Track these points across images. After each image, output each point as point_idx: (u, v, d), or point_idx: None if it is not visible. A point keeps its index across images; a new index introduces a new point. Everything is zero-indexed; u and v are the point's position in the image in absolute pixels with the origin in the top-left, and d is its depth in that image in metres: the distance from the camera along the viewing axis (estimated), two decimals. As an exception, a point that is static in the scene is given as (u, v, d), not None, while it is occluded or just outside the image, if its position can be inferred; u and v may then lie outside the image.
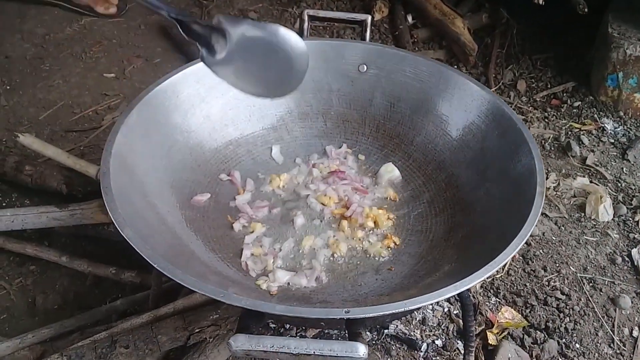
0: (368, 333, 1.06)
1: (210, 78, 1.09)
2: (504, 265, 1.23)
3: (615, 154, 1.54)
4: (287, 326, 1.05)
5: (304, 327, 1.03)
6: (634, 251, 1.27)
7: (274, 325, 1.06)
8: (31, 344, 1.02)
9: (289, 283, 0.92)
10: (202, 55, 0.83)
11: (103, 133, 1.54)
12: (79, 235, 1.25)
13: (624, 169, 1.49)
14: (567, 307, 1.15)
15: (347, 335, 0.70)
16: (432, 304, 1.13)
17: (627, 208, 1.38)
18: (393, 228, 1.03)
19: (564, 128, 1.61)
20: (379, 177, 1.10)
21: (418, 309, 1.05)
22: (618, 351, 1.09)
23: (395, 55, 1.13)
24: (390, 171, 1.10)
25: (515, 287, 1.20)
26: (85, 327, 1.06)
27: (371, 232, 1.02)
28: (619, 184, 1.44)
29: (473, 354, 0.94)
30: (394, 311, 0.69)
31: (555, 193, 1.42)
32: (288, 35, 0.84)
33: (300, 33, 1.17)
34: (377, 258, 0.98)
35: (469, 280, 0.72)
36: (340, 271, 0.96)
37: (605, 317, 1.15)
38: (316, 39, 1.16)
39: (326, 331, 1.04)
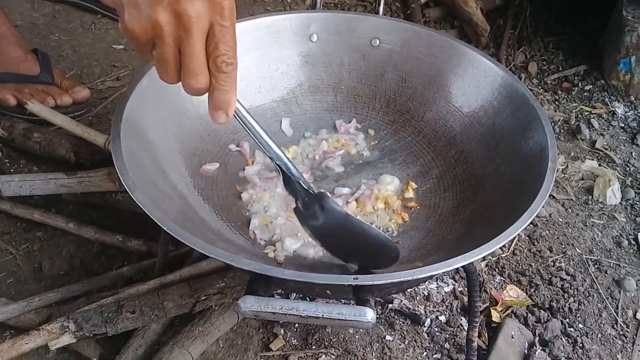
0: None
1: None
2: (510, 245, 1.23)
3: (625, 138, 1.53)
4: (292, 296, 1.05)
5: (308, 297, 1.03)
6: (641, 235, 1.27)
7: (279, 297, 1.06)
8: (37, 308, 1.03)
9: (296, 252, 0.93)
10: (297, 208, 0.86)
11: (111, 104, 1.54)
12: (86, 203, 1.25)
13: (633, 154, 1.48)
14: (572, 288, 1.15)
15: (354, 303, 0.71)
16: (437, 281, 1.14)
17: (635, 192, 1.37)
18: (402, 205, 1.03)
19: (574, 111, 1.60)
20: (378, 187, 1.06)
21: (427, 278, 1.05)
22: (621, 332, 1.10)
23: (408, 30, 1.12)
24: (390, 182, 1.06)
25: (520, 267, 1.20)
26: (91, 293, 1.07)
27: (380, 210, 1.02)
28: (628, 168, 1.44)
29: (477, 330, 0.94)
30: (402, 279, 0.69)
31: (563, 175, 1.41)
32: (383, 239, 0.87)
33: (314, 5, 1.17)
34: (384, 231, 0.98)
35: (479, 251, 0.72)
36: (348, 243, 0.96)
37: (610, 298, 1.15)
38: (329, 11, 1.15)
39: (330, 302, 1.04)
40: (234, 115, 0.72)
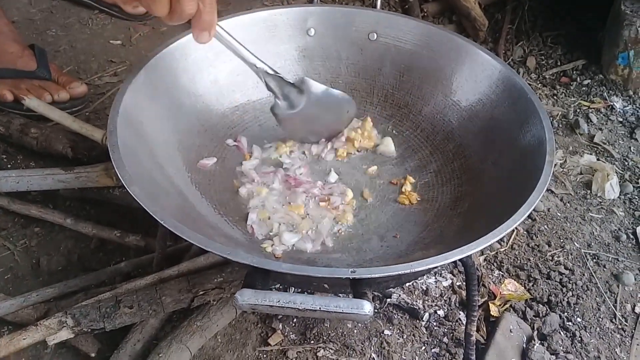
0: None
1: (219, 42, 1.09)
2: (508, 239, 1.23)
3: (623, 132, 1.53)
4: (291, 291, 1.05)
5: (306, 292, 1.03)
6: (639, 229, 1.27)
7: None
8: (35, 303, 1.03)
9: (294, 247, 0.92)
10: (276, 105, 1.01)
11: (108, 99, 1.54)
12: (84, 199, 1.25)
13: (632, 148, 1.48)
14: (570, 282, 1.15)
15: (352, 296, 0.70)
16: (435, 275, 1.14)
17: (634, 186, 1.37)
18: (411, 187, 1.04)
19: (572, 106, 1.60)
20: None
21: (425, 271, 1.05)
22: (620, 326, 1.10)
23: (406, 23, 1.12)
24: (386, 145, 1.10)
25: (518, 261, 1.20)
26: (89, 288, 1.07)
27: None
28: (626, 163, 1.44)
29: (475, 324, 0.94)
30: (400, 272, 0.69)
31: (561, 170, 1.41)
32: (348, 99, 1.06)
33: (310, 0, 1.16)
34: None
35: (477, 244, 0.72)
36: (345, 237, 0.96)
37: (608, 292, 1.15)
38: (326, 5, 1.15)
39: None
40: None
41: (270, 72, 0.95)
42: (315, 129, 1.08)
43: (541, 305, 1.11)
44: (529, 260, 1.20)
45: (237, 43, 0.91)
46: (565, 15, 1.86)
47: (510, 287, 1.13)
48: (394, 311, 1.07)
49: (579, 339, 1.05)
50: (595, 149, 1.48)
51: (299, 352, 1.00)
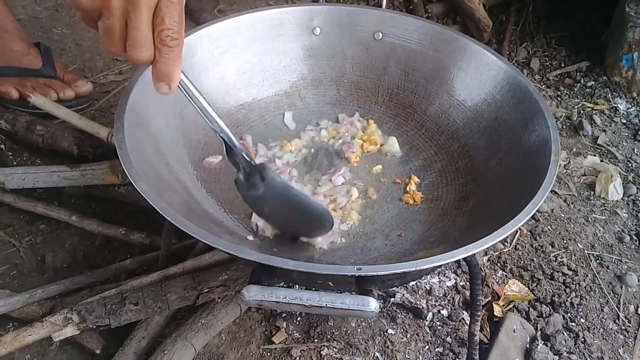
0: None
1: (225, 41, 1.10)
2: (512, 239, 1.24)
3: (627, 134, 1.53)
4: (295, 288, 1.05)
5: (312, 289, 1.04)
6: (643, 230, 1.27)
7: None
8: (40, 299, 1.03)
9: (298, 245, 0.93)
10: (239, 180, 0.87)
11: (114, 97, 1.54)
12: (89, 196, 1.25)
13: (635, 150, 1.48)
14: (574, 283, 1.16)
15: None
16: (439, 275, 1.14)
17: (637, 188, 1.37)
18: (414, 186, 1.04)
19: (576, 107, 1.60)
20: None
21: (430, 270, 1.05)
22: (623, 327, 1.10)
23: (411, 22, 1.12)
24: (391, 144, 1.10)
25: (522, 262, 1.20)
26: (94, 285, 1.07)
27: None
28: (630, 164, 1.44)
29: (479, 324, 0.94)
30: (405, 270, 0.69)
31: (565, 171, 1.41)
32: (316, 206, 0.91)
33: (315, -1, 1.17)
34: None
35: (482, 243, 0.72)
36: (350, 235, 0.96)
37: (612, 293, 1.15)
38: (332, 5, 1.15)
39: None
40: (179, 87, 0.73)
41: (237, 145, 0.83)
42: (285, 222, 0.93)
43: (545, 306, 1.11)
44: (533, 260, 1.20)
45: (206, 103, 0.79)
46: (569, 16, 1.86)
47: (513, 287, 1.13)
48: (398, 310, 1.07)
49: (582, 339, 1.06)
50: (599, 150, 1.48)
51: (303, 350, 1.00)
